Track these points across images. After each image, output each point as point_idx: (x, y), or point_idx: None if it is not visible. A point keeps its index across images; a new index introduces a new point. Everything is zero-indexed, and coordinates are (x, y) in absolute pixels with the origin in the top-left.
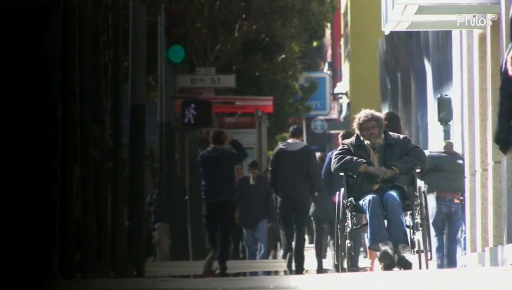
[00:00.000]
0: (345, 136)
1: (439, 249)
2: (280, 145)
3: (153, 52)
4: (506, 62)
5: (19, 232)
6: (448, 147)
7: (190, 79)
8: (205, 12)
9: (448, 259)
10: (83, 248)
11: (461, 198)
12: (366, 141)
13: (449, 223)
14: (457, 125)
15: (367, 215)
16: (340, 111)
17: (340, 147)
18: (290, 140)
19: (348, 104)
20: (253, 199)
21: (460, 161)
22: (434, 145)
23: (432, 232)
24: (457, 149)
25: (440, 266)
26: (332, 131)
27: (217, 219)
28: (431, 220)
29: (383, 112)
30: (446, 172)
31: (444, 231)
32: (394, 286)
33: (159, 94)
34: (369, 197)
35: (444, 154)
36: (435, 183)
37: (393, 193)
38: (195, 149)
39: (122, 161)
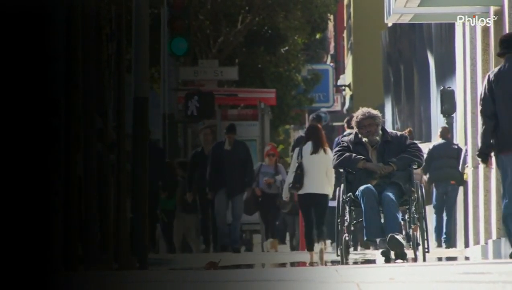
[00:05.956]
0: (350, 121)
1: (438, 228)
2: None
3: (156, 44)
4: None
5: (21, 224)
6: (444, 132)
7: (193, 71)
8: (208, 4)
9: (447, 234)
10: (86, 240)
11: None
12: (364, 139)
13: (446, 200)
14: (460, 117)
15: (362, 206)
16: (343, 104)
17: (340, 144)
18: None
19: (351, 97)
20: (228, 166)
21: (455, 146)
22: (437, 137)
23: (434, 214)
24: (460, 141)
25: (439, 243)
26: (335, 124)
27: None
28: (432, 205)
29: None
30: (443, 158)
31: (444, 210)
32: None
33: (162, 86)
34: (363, 186)
35: (439, 142)
36: (433, 170)
37: (390, 194)
38: (198, 140)
39: (125, 153)
